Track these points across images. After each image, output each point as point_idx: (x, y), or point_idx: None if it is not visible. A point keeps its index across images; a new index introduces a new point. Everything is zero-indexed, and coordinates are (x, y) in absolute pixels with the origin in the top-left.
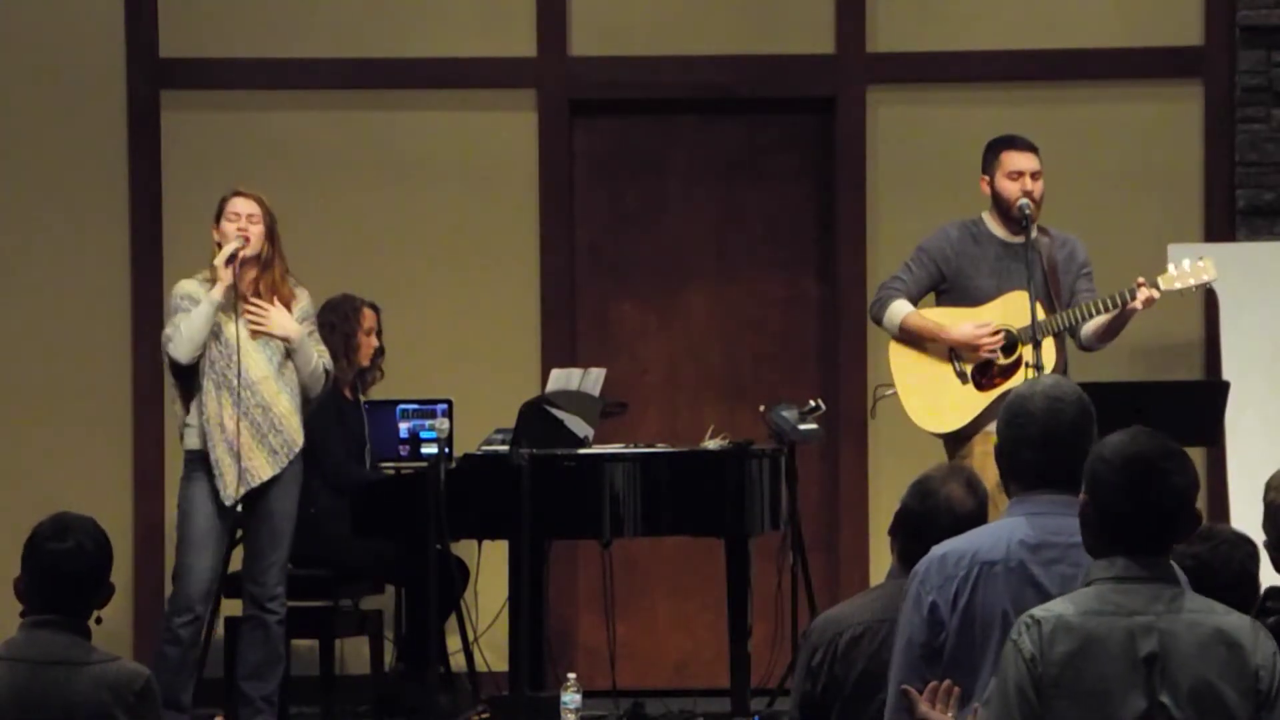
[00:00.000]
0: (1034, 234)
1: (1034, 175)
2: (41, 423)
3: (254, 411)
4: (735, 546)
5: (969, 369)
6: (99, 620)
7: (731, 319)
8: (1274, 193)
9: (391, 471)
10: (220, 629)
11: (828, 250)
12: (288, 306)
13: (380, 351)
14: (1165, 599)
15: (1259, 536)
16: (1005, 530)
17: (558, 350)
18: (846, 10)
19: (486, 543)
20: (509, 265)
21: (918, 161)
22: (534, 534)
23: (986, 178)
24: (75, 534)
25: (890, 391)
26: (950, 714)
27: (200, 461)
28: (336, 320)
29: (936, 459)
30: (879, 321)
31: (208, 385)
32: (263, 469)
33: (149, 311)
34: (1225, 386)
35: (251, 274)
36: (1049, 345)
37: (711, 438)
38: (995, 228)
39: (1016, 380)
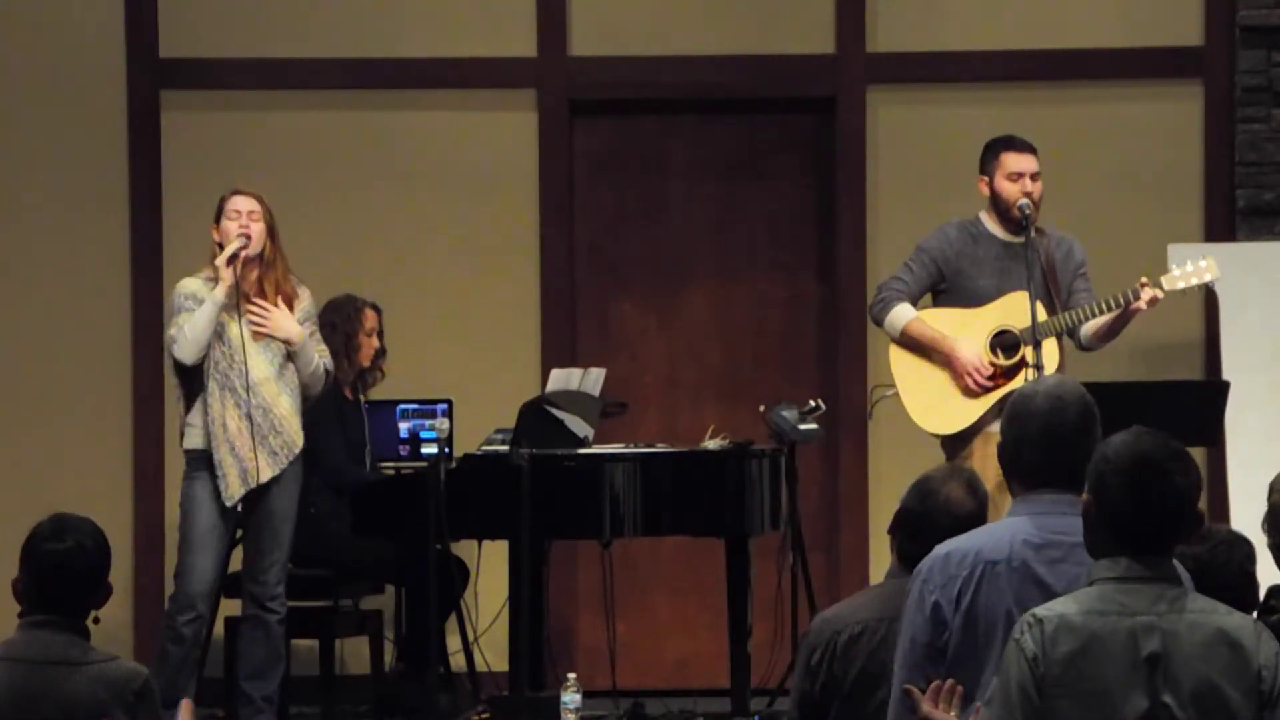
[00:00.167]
0: (1031, 234)
1: (1033, 176)
2: (41, 423)
3: (255, 413)
4: (735, 546)
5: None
6: (96, 620)
7: (731, 319)
8: (1274, 193)
9: (391, 471)
10: (220, 628)
11: (828, 250)
12: (290, 304)
13: (381, 352)
14: (1168, 599)
15: (1258, 536)
16: (1008, 530)
17: (558, 350)
18: (846, 10)
19: (486, 543)
20: (509, 265)
21: (918, 161)
22: (534, 534)
23: (985, 178)
24: (74, 534)
25: (890, 393)
26: (953, 713)
27: (202, 461)
28: (338, 320)
29: (936, 459)
30: (880, 323)
31: (212, 386)
32: (263, 470)
33: (149, 311)
34: (1225, 386)
35: (253, 272)
36: (1051, 346)
37: (711, 438)
38: (993, 227)
39: (1018, 381)
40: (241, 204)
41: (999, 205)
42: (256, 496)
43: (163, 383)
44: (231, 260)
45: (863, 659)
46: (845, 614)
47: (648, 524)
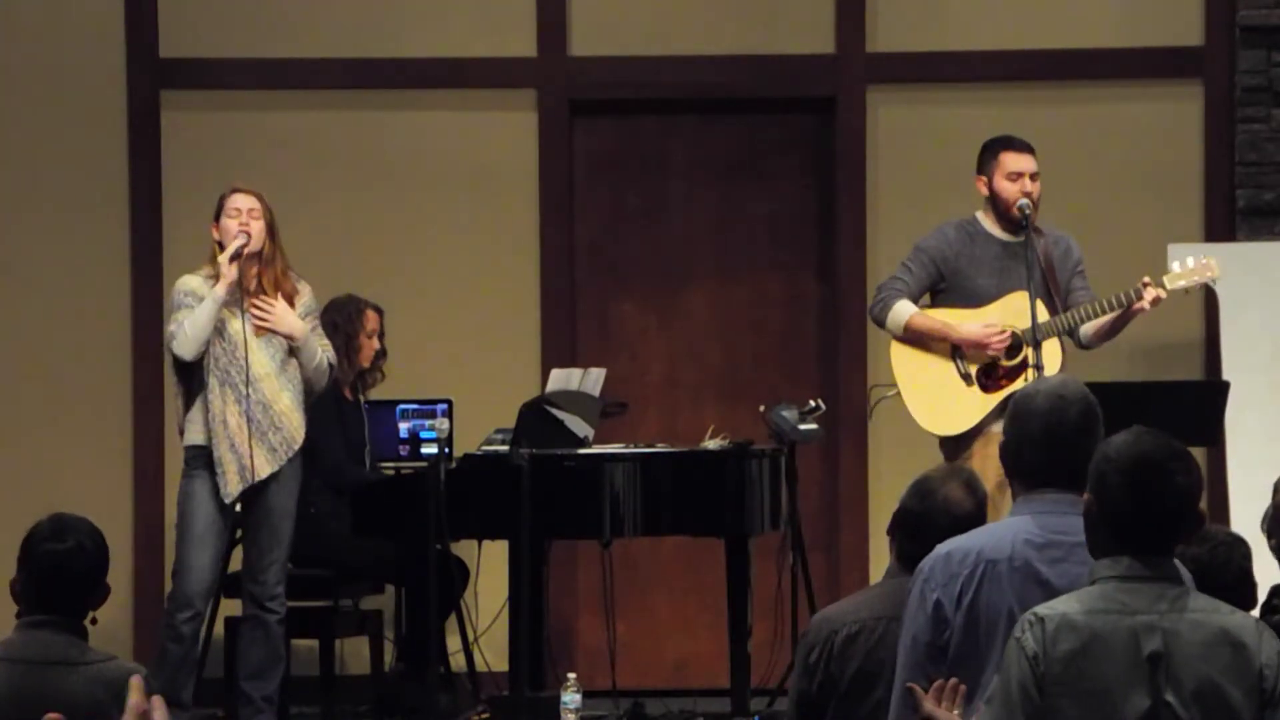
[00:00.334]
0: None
1: (1032, 176)
2: (41, 423)
3: (255, 409)
4: (735, 546)
5: (973, 370)
6: (94, 621)
7: (731, 319)
8: (1274, 193)
9: (391, 471)
10: (220, 628)
11: (828, 250)
12: (290, 301)
13: (382, 354)
14: (1169, 598)
15: (1258, 536)
16: (1010, 529)
17: (558, 350)
18: (846, 10)
19: (486, 543)
20: (509, 265)
21: (918, 161)
22: (534, 534)
23: (984, 178)
24: (74, 534)
25: (890, 394)
26: (956, 711)
27: (201, 457)
28: (340, 320)
29: (936, 459)
30: (881, 323)
31: (212, 383)
32: (262, 466)
33: (149, 311)
34: (1225, 386)
35: (253, 269)
36: (1053, 346)
37: (711, 438)
38: (991, 227)
39: (1022, 382)
40: (241, 202)
41: (998, 205)
42: (255, 494)
43: (163, 382)
44: (234, 258)
45: (860, 658)
46: (843, 613)
47: (648, 524)
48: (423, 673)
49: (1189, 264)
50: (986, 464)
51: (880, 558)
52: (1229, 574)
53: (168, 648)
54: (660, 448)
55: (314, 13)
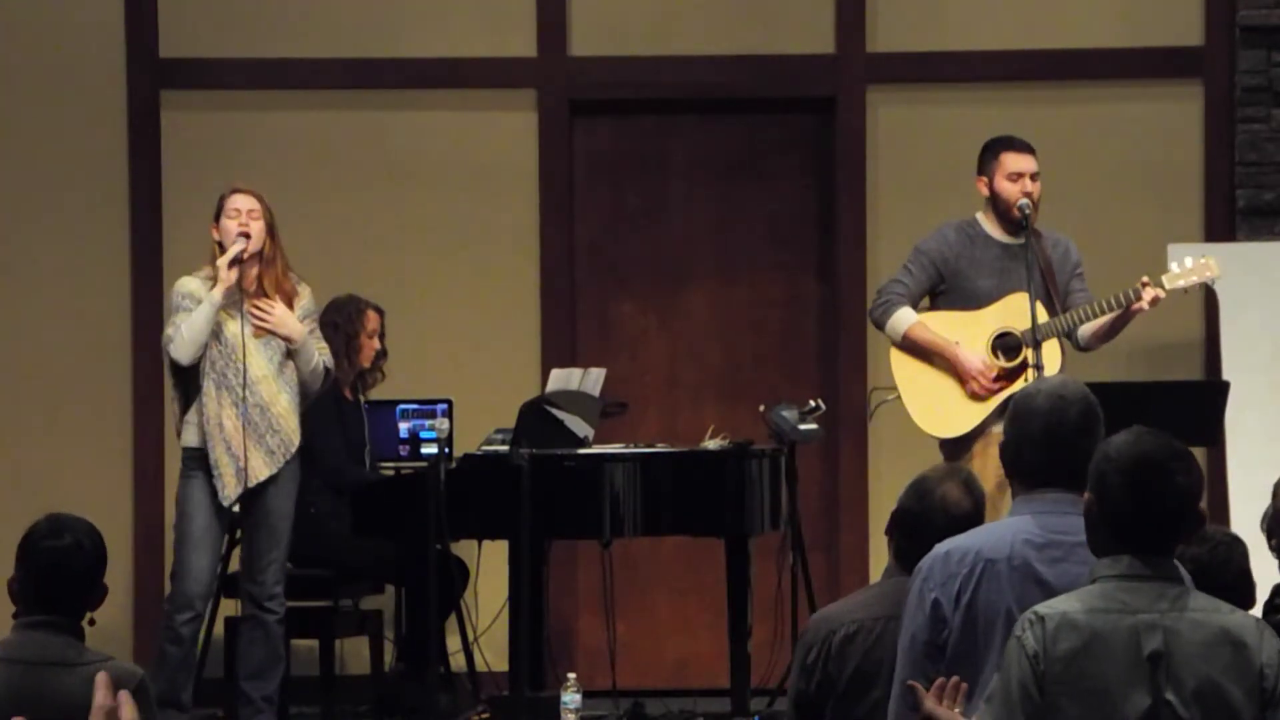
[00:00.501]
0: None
1: (1033, 176)
2: (41, 423)
3: (252, 411)
4: (735, 546)
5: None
6: (92, 622)
7: (731, 319)
8: (1274, 193)
9: (391, 471)
10: (220, 629)
11: (828, 250)
12: (290, 302)
13: (382, 354)
14: (1170, 597)
15: (1258, 536)
16: (1010, 529)
17: (558, 350)
18: (846, 10)
19: (486, 543)
20: (509, 265)
21: (918, 161)
22: (534, 534)
23: (984, 178)
24: (72, 532)
25: (890, 397)
26: (957, 710)
27: (198, 459)
28: (340, 320)
29: (936, 459)
30: (881, 327)
31: (208, 385)
32: (260, 469)
33: (149, 311)
34: (1225, 386)
35: (253, 270)
36: (1052, 347)
37: (711, 438)
38: (991, 228)
39: (1021, 383)
40: (241, 202)
41: (998, 205)
42: (254, 496)
43: (163, 383)
44: (234, 263)
45: (858, 658)
46: (841, 613)
47: (648, 524)
48: (423, 673)
49: (1187, 264)
50: (987, 465)
51: (880, 558)
52: (1229, 574)
53: (167, 649)
54: (660, 448)
55: (314, 13)
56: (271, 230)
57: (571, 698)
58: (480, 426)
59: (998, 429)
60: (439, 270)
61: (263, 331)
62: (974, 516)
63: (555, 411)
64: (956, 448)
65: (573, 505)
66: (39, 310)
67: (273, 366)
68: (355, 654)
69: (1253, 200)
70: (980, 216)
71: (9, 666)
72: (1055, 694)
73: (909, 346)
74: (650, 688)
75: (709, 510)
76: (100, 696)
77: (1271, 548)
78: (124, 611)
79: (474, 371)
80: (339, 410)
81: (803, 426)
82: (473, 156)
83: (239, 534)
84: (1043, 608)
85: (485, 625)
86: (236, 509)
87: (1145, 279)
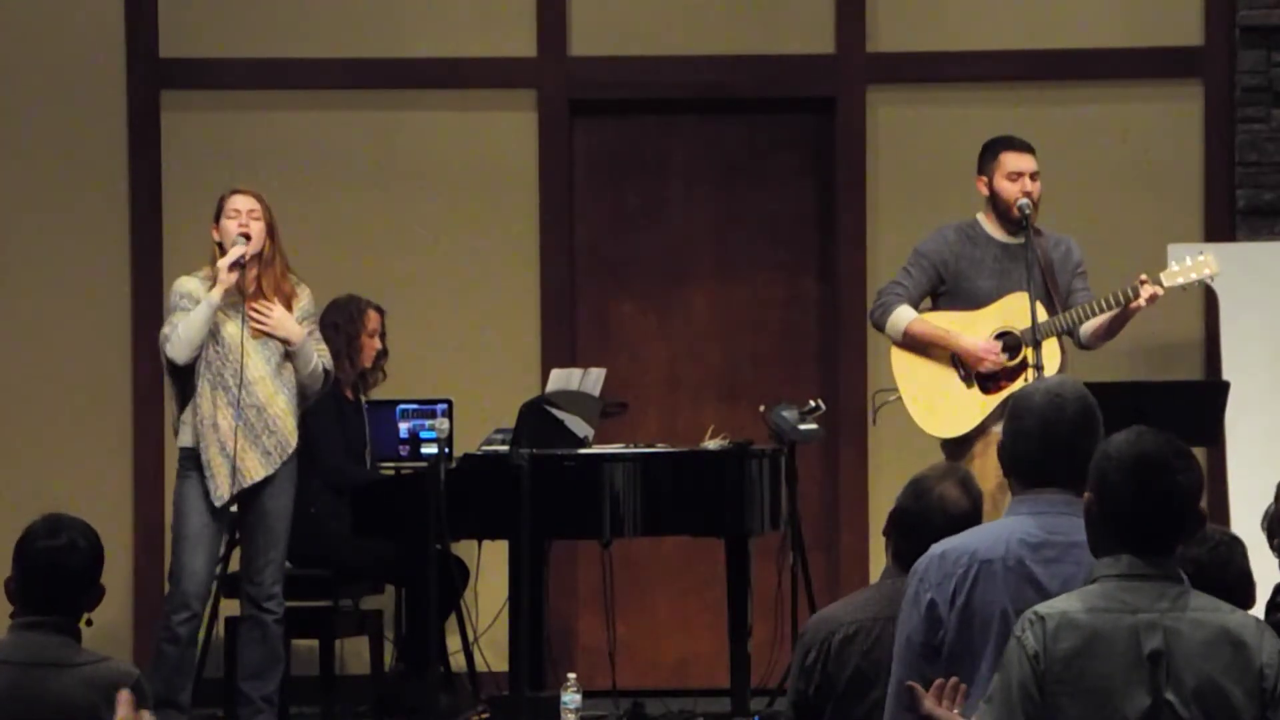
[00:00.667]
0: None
1: (1033, 176)
2: (41, 423)
3: (248, 412)
4: (735, 546)
5: (974, 372)
6: (89, 623)
7: (731, 319)
8: (1274, 193)
9: (391, 471)
10: (220, 629)
11: (828, 250)
12: (289, 303)
13: (383, 354)
14: (1170, 597)
15: (1258, 536)
16: (1006, 528)
17: (558, 350)
18: (846, 10)
19: (486, 543)
20: (509, 265)
21: (918, 161)
22: (534, 534)
23: (984, 178)
24: (69, 532)
25: (892, 398)
26: (956, 710)
27: (194, 459)
28: (341, 320)
29: (936, 459)
30: (880, 328)
31: (203, 386)
32: (255, 470)
33: (149, 311)
34: (1225, 386)
35: (252, 271)
36: (1052, 346)
37: (711, 438)
38: (991, 229)
39: (1021, 383)
40: (241, 203)
41: (998, 205)
42: (251, 496)
43: (162, 383)
44: (233, 267)
45: (857, 659)
46: (840, 614)
47: (648, 524)
48: (423, 673)
49: (1186, 260)
50: (988, 465)
51: (880, 558)
52: (1229, 574)
53: (164, 650)
54: (660, 448)
55: (314, 13)
56: (271, 231)
57: (571, 698)
58: (480, 426)
59: (998, 429)
60: (439, 270)
61: (260, 333)
62: (972, 516)
63: (555, 411)
64: (957, 448)
65: (573, 505)
66: (39, 310)
67: (270, 367)
68: (355, 654)
69: (1252, 200)
70: (980, 217)
71: (5, 668)
72: (1055, 693)
73: (910, 343)
74: (650, 688)
75: (709, 510)
76: (122, 711)
77: (1272, 547)
78: (124, 612)
79: (474, 371)
80: (339, 410)
81: (803, 426)
82: (473, 156)
83: (238, 534)
84: (1043, 607)
85: (485, 625)
86: (234, 509)
87: (1143, 277)
